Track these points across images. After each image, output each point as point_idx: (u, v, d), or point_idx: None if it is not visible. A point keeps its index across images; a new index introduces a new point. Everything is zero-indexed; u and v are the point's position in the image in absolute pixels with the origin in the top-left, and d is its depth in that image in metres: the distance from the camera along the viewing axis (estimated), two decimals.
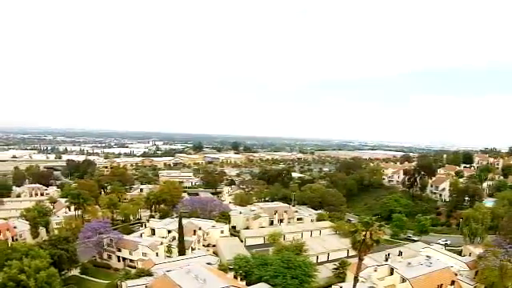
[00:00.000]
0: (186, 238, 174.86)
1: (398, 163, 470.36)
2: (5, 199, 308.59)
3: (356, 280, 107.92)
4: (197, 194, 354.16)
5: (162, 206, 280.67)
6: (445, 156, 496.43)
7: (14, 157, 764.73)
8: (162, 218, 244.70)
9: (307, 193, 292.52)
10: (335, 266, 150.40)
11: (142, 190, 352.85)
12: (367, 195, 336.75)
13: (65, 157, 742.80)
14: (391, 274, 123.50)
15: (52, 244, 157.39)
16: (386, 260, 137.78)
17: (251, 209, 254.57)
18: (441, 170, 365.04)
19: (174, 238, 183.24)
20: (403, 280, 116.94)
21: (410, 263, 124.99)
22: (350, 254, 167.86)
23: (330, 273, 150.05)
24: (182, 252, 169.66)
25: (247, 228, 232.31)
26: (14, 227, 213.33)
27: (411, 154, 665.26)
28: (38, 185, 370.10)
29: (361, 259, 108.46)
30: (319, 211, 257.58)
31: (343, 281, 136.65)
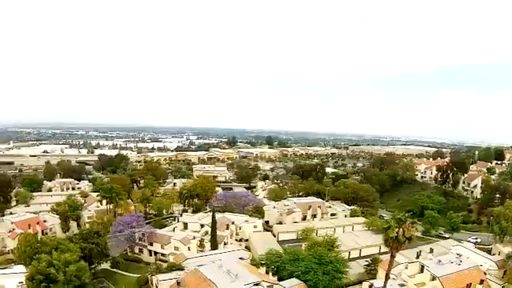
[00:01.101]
0: (218, 233, 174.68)
1: (431, 159, 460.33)
2: (35, 193, 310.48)
3: (387, 277, 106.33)
4: (231, 189, 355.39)
5: (196, 200, 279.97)
6: (476, 152, 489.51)
7: (45, 152, 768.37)
8: (195, 212, 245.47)
9: (341, 188, 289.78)
10: (367, 263, 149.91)
11: (175, 184, 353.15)
12: (400, 191, 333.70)
13: (97, 151, 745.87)
14: (421, 271, 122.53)
15: (83, 238, 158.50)
16: (417, 257, 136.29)
17: (285, 204, 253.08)
18: (473, 167, 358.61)
19: (206, 233, 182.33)
20: (433, 278, 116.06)
21: (440, 261, 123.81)
22: (381, 251, 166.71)
23: (362, 269, 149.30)
24: (214, 246, 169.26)
25: (280, 223, 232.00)
26: (44, 221, 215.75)
27: (443, 150, 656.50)
28: (69, 179, 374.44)
29: (393, 256, 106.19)
30: (352, 207, 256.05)
31: (374, 277, 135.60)
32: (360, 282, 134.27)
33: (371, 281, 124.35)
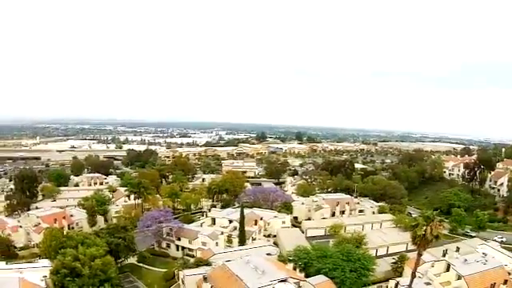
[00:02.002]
0: (246, 228, 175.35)
1: (458, 156, 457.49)
2: (62, 188, 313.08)
3: (413, 275, 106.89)
4: (259, 184, 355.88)
5: (224, 195, 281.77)
6: (503, 150, 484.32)
7: (73, 147, 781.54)
8: (223, 207, 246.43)
9: (369, 184, 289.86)
10: (394, 260, 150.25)
11: (204, 179, 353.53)
12: (428, 188, 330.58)
13: (125, 146, 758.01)
14: (447, 270, 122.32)
15: (109, 233, 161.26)
16: (444, 256, 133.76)
17: (313, 200, 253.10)
18: (499, 165, 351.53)
19: (234, 228, 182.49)
20: (459, 277, 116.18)
21: (466, 260, 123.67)
22: (408, 248, 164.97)
23: (389, 267, 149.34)
24: (242, 242, 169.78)
25: (309, 219, 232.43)
26: (71, 216, 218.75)
27: (471, 147, 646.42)
28: (96, 174, 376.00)
29: (420, 254, 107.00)
30: (380, 203, 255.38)
31: (400, 275, 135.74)
32: (386, 280, 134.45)
33: (397, 279, 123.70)
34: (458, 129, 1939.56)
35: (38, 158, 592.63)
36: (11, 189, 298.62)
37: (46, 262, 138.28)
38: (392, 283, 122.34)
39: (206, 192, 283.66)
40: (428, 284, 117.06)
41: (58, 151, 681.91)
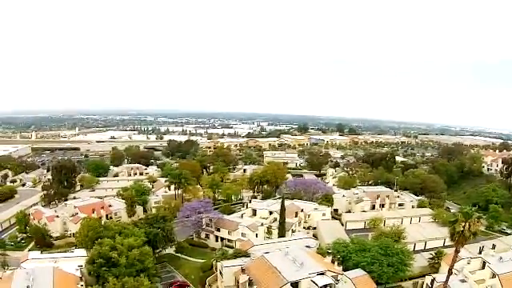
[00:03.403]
0: (287, 220, 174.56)
1: (497, 151, 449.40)
2: (101, 179, 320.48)
3: (450, 272, 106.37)
4: (301, 176, 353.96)
5: (265, 186, 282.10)
6: None
7: (112, 138, 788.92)
8: (264, 198, 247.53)
9: (409, 178, 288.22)
10: (431, 256, 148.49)
11: (245, 170, 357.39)
12: (466, 183, 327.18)
13: (166, 137, 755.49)
14: (483, 267, 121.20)
15: (148, 223, 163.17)
16: (480, 253, 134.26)
17: (354, 192, 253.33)
18: None
19: (275, 220, 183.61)
20: (493, 275, 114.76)
21: (501, 258, 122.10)
22: (445, 244, 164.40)
23: (426, 262, 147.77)
24: (282, 234, 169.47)
25: (349, 211, 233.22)
26: (110, 206, 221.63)
27: (509, 142, 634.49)
28: (136, 164, 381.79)
29: (457, 251, 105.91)
30: (420, 197, 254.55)
31: (437, 271, 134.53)
32: (423, 276, 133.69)
33: (434, 275, 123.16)
34: (497, 123, 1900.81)
35: (77, 149, 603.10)
36: (48, 179, 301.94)
37: (81, 251, 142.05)
38: (428, 279, 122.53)
39: (247, 183, 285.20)
40: (463, 281, 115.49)
41: (97, 142, 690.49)
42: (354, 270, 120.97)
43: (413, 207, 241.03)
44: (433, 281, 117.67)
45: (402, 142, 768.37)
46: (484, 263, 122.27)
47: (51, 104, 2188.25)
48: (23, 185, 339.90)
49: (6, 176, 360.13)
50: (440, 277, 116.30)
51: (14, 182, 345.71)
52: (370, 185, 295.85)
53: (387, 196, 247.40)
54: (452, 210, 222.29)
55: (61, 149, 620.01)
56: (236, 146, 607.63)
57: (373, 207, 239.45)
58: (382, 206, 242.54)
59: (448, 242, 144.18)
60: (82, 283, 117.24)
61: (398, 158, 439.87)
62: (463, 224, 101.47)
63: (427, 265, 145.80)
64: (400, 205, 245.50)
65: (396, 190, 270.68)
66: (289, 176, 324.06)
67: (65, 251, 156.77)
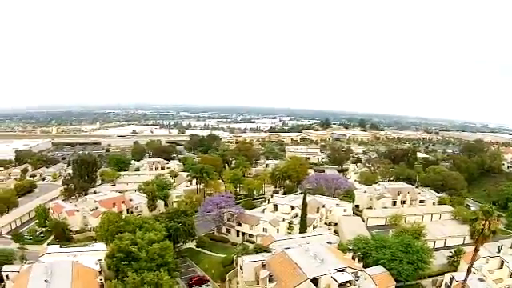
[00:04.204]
0: (308, 216, 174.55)
1: None
2: (122, 173, 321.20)
3: (469, 271, 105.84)
4: (322, 171, 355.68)
5: (287, 181, 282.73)
6: None
7: (134, 132, 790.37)
8: (286, 193, 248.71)
9: (431, 175, 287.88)
10: (450, 254, 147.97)
11: (267, 165, 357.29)
12: (486, 180, 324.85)
13: (188, 132, 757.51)
14: (501, 267, 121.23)
15: (169, 217, 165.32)
16: (499, 251, 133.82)
17: (376, 188, 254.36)
18: None
19: (296, 215, 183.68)
20: (511, 275, 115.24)
21: None
22: (465, 242, 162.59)
23: (445, 260, 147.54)
24: (303, 229, 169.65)
25: (370, 208, 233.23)
26: (130, 200, 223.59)
27: None
28: (158, 159, 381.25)
29: (477, 250, 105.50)
30: (441, 194, 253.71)
31: (456, 270, 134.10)
32: (442, 274, 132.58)
33: (453, 273, 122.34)
34: None
35: (97, 143, 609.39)
36: (69, 173, 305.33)
37: (101, 245, 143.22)
38: (447, 278, 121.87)
39: (268, 178, 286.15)
40: (481, 280, 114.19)
41: (118, 136, 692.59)
42: (374, 267, 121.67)
43: (433, 204, 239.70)
44: (452, 279, 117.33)
45: (424, 138, 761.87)
46: (502, 262, 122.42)
47: (73, 99, 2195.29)
48: (43, 179, 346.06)
49: (25, 170, 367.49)
50: (459, 275, 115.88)
51: (33, 176, 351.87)
52: (392, 181, 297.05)
53: (408, 192, 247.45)
54: (472, 208, 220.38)
55: (81, 143, 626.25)
56: (258, 140, 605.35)
57: (394, 204, 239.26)
58: (403, 202, 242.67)
59: (467, 240, 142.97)
60: (101, 277, 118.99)
61: (420, 155, 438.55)
62: (483, 222, 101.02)
63: (446, 263, 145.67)
64: (421, 201, 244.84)
65: (417, 187, 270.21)
66: (311, 171, 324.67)
67: (84, 245, 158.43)
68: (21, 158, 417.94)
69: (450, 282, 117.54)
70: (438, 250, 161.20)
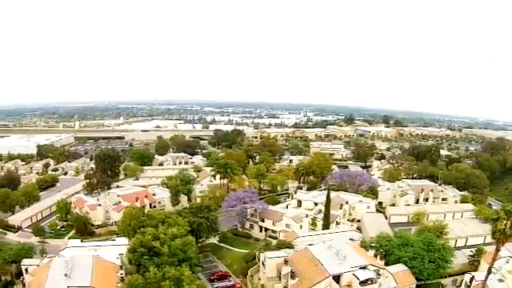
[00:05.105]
0: (331, 212, 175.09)
1: None
2: (146, 167, 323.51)
3: (489, 271, 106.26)
4: (346, 167, 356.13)
5: (311, 177, 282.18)
6: None
7: (158, 127, 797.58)
8: (309, 189, 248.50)
9: (453, 172, 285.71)
10: (471, 253, 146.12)
11: (291, 160, 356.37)
12: (508, 179, 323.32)
13: (212, 127, 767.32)
14: None
15: (192, 212, 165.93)
16: None
17: (399, 185, 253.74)
18: None
19: (319, 211, 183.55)
20: None
21: None
22: (486, 241, 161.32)
23: (465, 259, 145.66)
24: (326, 226, 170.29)
25: (393, 205, 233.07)
26: (153, 194, 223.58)
27: None
28: (182, 154, 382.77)
29: (498, 249, 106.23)
30: (463, 192, 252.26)
31: (476, 269, 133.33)
32: (462, 273, 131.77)
33: (473, 273, 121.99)
34: None
35: (121, 138, 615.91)
36: (91, 168, 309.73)
37: (123, 240, 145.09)
38: (467, 277, 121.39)
39: (292, 173, 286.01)
40: (501, 281, 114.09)
41: (142, 131, 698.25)
42: (395, 265, 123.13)
43: (456, 202, 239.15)
44: (472, 279, 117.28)
45: (447, 135, 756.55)
46: None
47: (97, 95, 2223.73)
48: (65, 173, 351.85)
49: (47, 165, 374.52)
50: (479, 275, 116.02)
51: (55, 170, 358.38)
52: (415, 178, 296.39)
53: (431, 190, 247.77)
54: (493, 207, 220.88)
55: (104, 138, 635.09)
56: (282, 136, 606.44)
57: (417, 201, 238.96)
58: (426, 200, 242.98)
59: (488, 240, 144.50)
60: (122, 272, 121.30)
61: (443, 152, 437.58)
62: (505, 222, 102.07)
63: (467, 262, 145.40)
64: (443, 199, 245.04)
65: (440, 185, 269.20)
66: (334, 167, 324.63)
67: (106, 240, 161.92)
68: (43, 152, 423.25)
69: (470, 281, 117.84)
70: (459, 248, 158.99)
